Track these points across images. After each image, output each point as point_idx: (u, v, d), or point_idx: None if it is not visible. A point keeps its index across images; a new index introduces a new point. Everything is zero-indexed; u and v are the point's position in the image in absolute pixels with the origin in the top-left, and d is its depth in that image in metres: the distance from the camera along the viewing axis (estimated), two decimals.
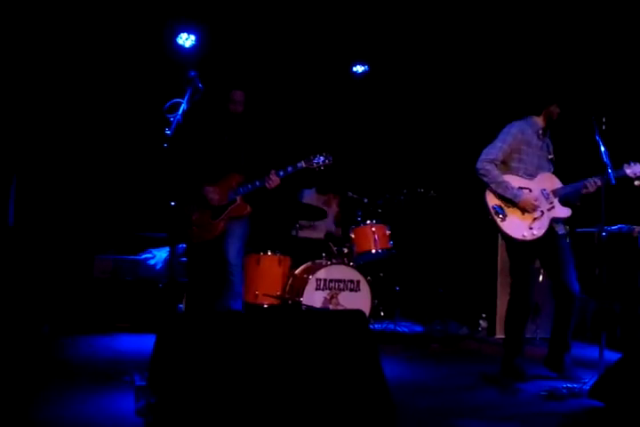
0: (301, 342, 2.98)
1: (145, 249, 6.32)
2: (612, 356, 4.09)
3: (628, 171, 4.14)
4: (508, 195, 4.09)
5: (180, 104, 3.89)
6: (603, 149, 4.04)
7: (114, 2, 6.19)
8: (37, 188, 6.36)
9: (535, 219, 4.11)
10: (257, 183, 4.58)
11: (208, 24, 6.62)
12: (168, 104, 3.89)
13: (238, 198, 4.65)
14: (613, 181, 4.03)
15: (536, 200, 4.11)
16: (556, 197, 4.19)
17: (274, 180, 4.55)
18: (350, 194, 6.38)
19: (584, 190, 4.16)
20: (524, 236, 4.07)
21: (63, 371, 4.11)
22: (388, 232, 5.92)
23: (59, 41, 6.25)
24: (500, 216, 4.09)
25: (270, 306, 5.64)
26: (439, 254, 7.14)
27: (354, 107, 7.42)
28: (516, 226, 4.08)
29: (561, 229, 4.25)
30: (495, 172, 4.12)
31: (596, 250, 5.67)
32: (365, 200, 6.25)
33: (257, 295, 5.59)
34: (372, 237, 5.86)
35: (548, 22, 6.30)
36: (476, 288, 6.45)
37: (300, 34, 6.74)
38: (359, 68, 7.42)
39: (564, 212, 4.20)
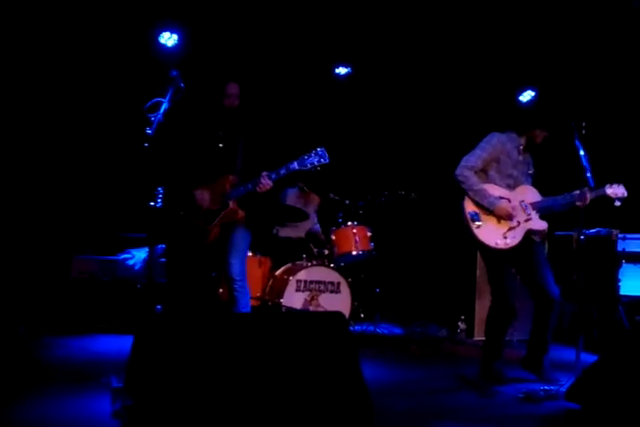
0: (281, 343, 2.96)
1: (124, 249, 6.27)
2: (588, 358, 4.13)
3: (609, 191, 4.12)
4: (484, 202, 4.07)
5: (161, 103, 3.86)
6: (582, 152, 4.08)
7: (96, 0, 6.13)
8: (14, 186, 6.27)
9: (511, 228, 4.09)
10: (249, 186, 4.24)
11: (191, 23, 6.58)
12: (149, 103, 3.86)
13: (231, 203, 4.34)
14: (592, 184, 4.07)
15: (513, 209, 4.10)
16: (534, 209, 4.18)
17: (265, 183, 4.15)
18: (332, 195, 6.37)
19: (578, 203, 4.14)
20: (496, 244, 4.05)
21: (39, 372, 4.06)
22: (368, 234, 5.93)
23: (39, 38, 6.17)
24: (476, 223, 4.07)
25: (250, 307, 5.61)
26: (419, 256, 7.17)
27: (336, 109, 7.42)
28: (491, 234, 4.07)
29: (537, 238, 4.25)
30: (473, 179, 4.11)
31: (575, 253, 5.73)
32: (346, 202, 6.25)
33: None
34: (353, 238, 5.86)
35: (530, 26, 6.36)
36: (455, 290, 6.48)
37: (283, 35, 6.71)
38: (342, 70, 7.43)
39: (540, 225, 4.18)
